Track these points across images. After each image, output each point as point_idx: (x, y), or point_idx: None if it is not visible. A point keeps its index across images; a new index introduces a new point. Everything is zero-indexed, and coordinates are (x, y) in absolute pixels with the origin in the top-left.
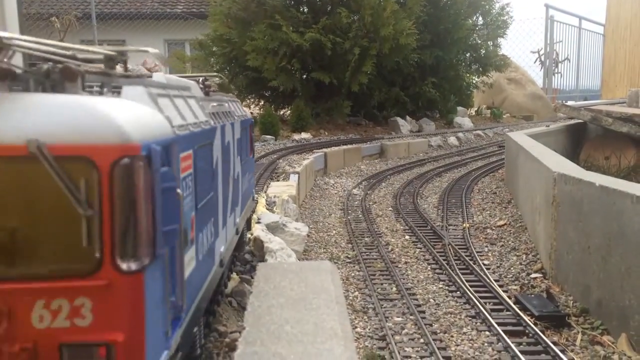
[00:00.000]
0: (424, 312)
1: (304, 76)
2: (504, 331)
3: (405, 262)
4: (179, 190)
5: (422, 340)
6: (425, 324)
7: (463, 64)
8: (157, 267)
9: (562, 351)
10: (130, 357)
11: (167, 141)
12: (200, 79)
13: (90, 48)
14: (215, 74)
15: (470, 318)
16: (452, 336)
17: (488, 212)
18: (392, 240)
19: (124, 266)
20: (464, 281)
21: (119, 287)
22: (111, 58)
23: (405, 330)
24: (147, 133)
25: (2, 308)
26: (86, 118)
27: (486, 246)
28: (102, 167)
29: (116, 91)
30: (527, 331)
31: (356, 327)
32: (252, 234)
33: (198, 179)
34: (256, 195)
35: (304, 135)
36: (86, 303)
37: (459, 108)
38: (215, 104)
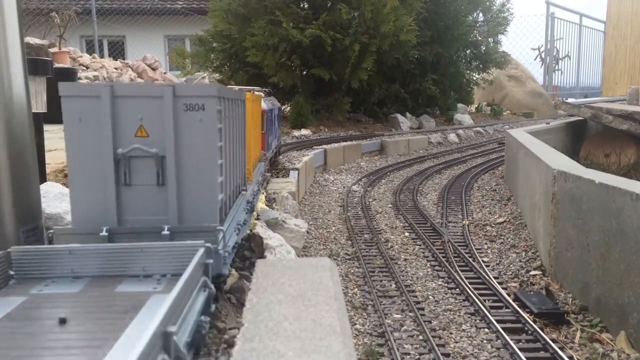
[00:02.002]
0: (423, 309)
1: (304, 72)
2: (503, 328)
3: (405, 259)
4: (269, 119)
5: (421, 337)
6: (424, 321)
7: (463, 60)
8: (267, 135)
9: (561, 348)
10: (265, 153)
11: (267, 110)
12: (263, 92)
13: (256, 88)
14: (262, 88)
15: (469, 315)
16: (451, 333)
17: (488, 209)
18: (392, 237)
19: (262, 132)
20: (463, 278)
21: (262, 136)
22: (257, 91)
23: (405, 327)
24: (266, 108)
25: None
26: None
27: (486, 243)
28: (263, 114)
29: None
30: (526, 328)
31: (355, 324)
32: (251, 231)
33: (271, 121)
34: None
35: (304, 131)
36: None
37: (459, 105)
38: (272, 101)
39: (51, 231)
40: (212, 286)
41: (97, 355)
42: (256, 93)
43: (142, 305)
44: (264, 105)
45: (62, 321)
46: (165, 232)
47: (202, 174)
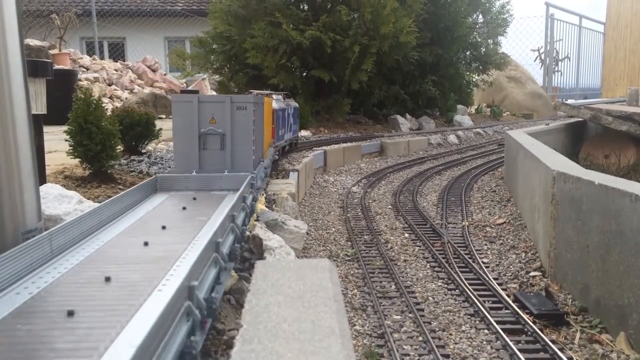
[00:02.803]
0: (422, 310)
1: (304, 74)
2: (503, 329)
3: (405, 260)
4: (280, 116)
5: (420, 338)
6: (423, 322)
7: (463, 62)
8: (276, 128)
9: (561, 349)
10: (274, 141)
11: (277, 109)
12: (282, 94)
13: (273, 93)
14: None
15: (469, 316)
16: (450, 334)
17: (487, 210)
18: (392, 238)
19: (273, 126)
20: (463, 279)
21: (272, 129)
22: (270, 95)
23: (404, 328)
24: (277, 108)
25: None
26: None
27: (485, 244)
28: (273, 112)
29: (275, 99)
30: (525, 329)
31: (355, 325)
32: (250, 232)
33: (282, 118)
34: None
35: (304, 133)
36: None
37: (459, 106)
38: (288, 102)
39: (170, 168)
40: (255, 194)
41: (216, 206)
42: (274, 97)
43: (225, 197)
44: (275, 105)
45: (194, 198)
46: (225, 174)
47: (243, 144)
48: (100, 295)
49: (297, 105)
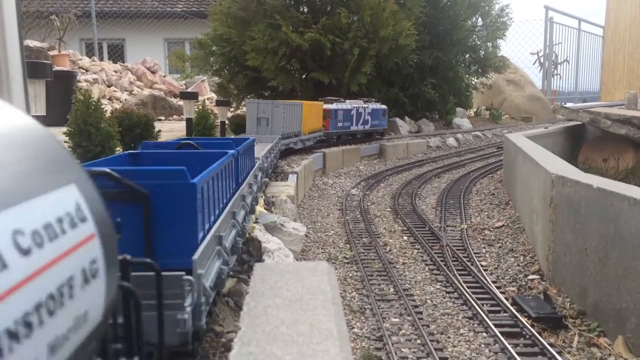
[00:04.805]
0: (421, 313)
1: (304, 76)
2: (501, 332)
3: (403, 263)
4: (337, 113)
5: (419, 341)
6: (422, 325)
7: (462, 65)
8: (332, 121)
9: (559, 353)
10: (324, 129)
11: (331, 109)
12: (364, 99)
13: (345, 100)
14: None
15: (467, 319)
16: (449, 337)
17: (486, 213)
18: (390, 240)
19: (327, 119)
20: (462, 282)
21: (324, 121)
22: (335, 100)
23: (402, 331)
24: (330, 108)
25: None
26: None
27: (484, 247)
28: (325, 111)
29: (346, 102)
30: (524, 333)
31: (353, 328)
32: (250, 234)
33: (345, 115)
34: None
35: None
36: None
37: (458, 109)
38: (366, 105)
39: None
40: (280, 143)
41: (266, 145)
42: (343, 100)
43: (269, 142)
44: (330, 106)
45: (256, 143)
46: (268, 135)
47: (277, 123)
48: None
49: (379, 107)
